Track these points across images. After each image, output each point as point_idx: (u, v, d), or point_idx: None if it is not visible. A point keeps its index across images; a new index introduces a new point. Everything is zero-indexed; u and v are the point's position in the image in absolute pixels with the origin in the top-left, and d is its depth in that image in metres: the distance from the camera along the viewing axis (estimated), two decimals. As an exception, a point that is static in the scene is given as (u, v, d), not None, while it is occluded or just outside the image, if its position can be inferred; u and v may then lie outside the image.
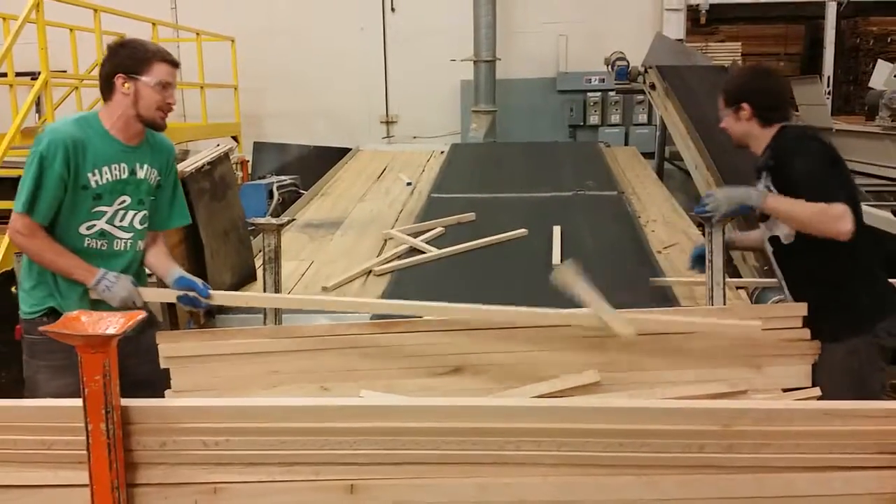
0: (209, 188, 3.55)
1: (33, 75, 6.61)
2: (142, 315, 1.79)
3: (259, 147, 9.89)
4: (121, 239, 2.73)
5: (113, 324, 1.68)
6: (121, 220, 2.72)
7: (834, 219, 2.57)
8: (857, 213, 2.65)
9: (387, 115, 11.35)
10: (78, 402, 1.68)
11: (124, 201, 2.71)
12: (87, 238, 2.67)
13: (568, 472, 1.76)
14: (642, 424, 1.76)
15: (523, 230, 4.48)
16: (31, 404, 1.92)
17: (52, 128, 2.63)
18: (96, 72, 7.52)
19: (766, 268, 3.44)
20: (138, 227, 2.77)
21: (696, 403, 2.03)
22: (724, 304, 2.91)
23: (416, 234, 4.57)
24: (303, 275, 4.19)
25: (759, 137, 2.85)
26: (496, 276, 3.97)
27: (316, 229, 5.12)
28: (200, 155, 3.71)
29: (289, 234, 4.81)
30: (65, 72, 7.82)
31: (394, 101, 11.27)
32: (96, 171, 2.62)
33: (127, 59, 2.65)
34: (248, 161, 9.56)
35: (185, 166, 3.40)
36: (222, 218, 3.75)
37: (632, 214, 5.02)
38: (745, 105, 2.84)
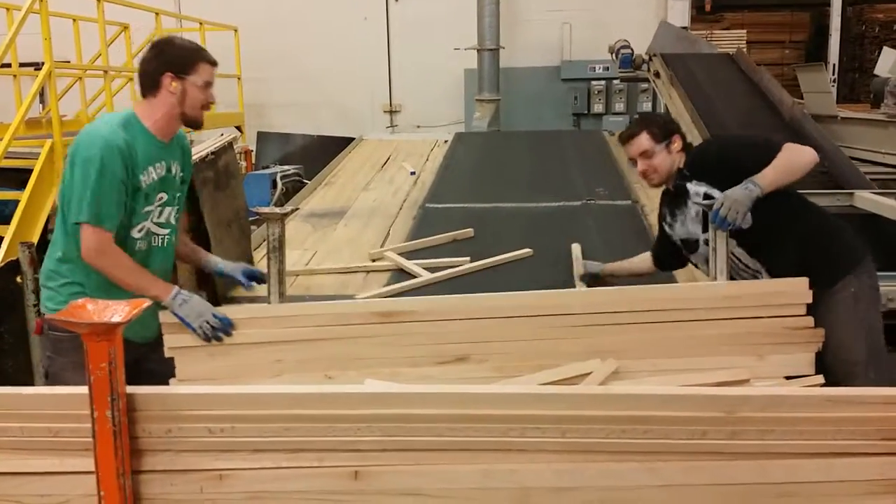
0: (213, 178, 3.55)
1: (37, 66, 6.62)
2: (147, 303, 1.79)
3: (263, 137, 9.90)
4: (159, 235, 2.75)
5: (118, 312, 1.69)
6: (159, 217, 2.74)
7: (801, 150, 2.77)
8: None
9: (390, 105, 11.34)
10: (84, 389, 1.70)
11: (162, 198, 2.72)
12: (138, 241, 2.68)
13: (571, 458, 1.77)
14: (645, 411, 1.76)
15: (528, 250, 3.83)
16: (38, 392, 1.93)
17: (98, 132, 2.56)
18: (100, 62, 7.52)
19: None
20: (173, 222, 2.80)
21: (699, 390, 2.03)
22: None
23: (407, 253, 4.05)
24: (307, 264, 4.20)
25: (677, 165, 2.93)
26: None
27: (320, 219, 5.12)
28: (204, 145, 3.71)
29: (292, 223, 4.82)
30: (68, 62, 7.82)
31: (397, 91, 11.26)
32: (145, 171, 2.64)
33: (175, 59, 2.67)
34: (251, 151, 9.57)
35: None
36: (226, 208, 3.75)
37: (648, 229, 4.35)
38: (676, 137, 2.92)
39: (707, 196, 2.78)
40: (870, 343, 2.71)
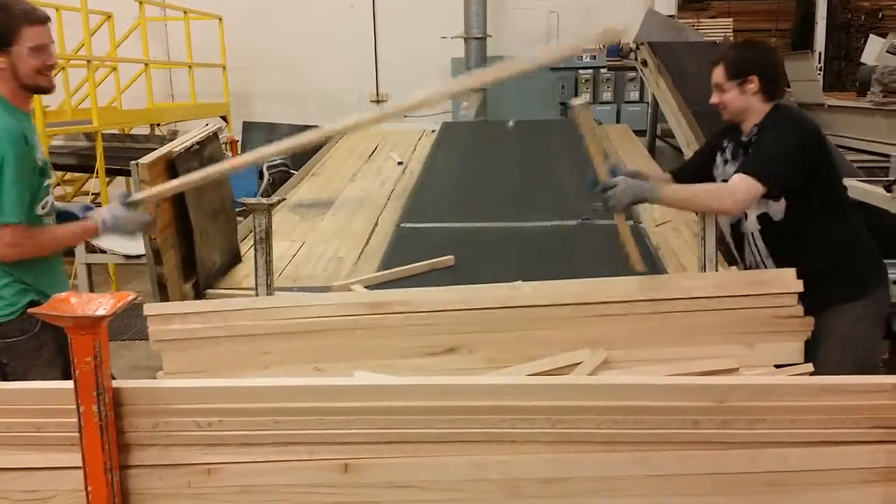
0: (198, 168, 3.51)
1: (19, 55, 6.52)
2: (132, 296, 1.77)
3: (248, 127, 9.83)
4: (52, 205, 2.72)
5: (103, 305, 1.67)
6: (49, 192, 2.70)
7: (725, 193, 2.62)
8: (835, 188, 2.76)
9: (377, 94, 11.28)
10: (69, 384, 1.67)
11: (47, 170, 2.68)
12: (44, 219, 2.64)
13: (562, 449, 1.76)
14: (636, 401, 1.76)
15: (518, 282, 2.82)
16: (22, 387, 1.91)
17: None
18: (83, 52, 7.42)
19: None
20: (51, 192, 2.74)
21: (689, 379, 2.03)
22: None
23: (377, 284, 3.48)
24: (294, 255, 4.17)
25: (756, 113, 2.81)
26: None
27: (307, 209, 5.09)
28: (189, 135, 3.68)
29: (279, 214, 4.79)
30: (51, 52, 7.73)
31: (384, 80, 11.20)
32: (36, 147, 2.58)
33: None
34: (237, 141, 9.50)
35: (175, 146, 3.36)
36: (212, 198, 3.72)
37: (654, 252, 3.70)
38: (753, 78, 2.77)
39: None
40: (859, 366, 2.63)
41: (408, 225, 4.40)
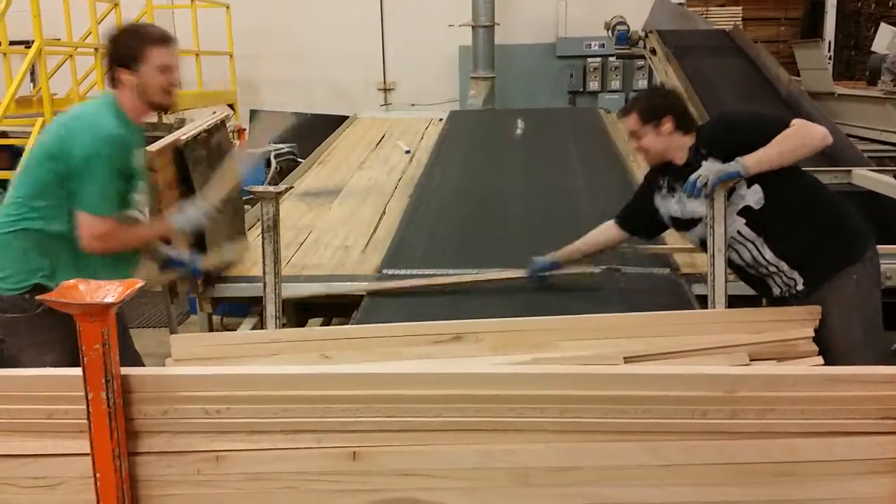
0: (205, 156, 3.51)
1: (27, 44, 6.54)
2: (139, 283, 1.77)
3: (256, 115, 9.82)
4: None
5: (111, 292, 1.66)
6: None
7: (809, 128, 2.71)
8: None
9: (384, 83, 11.26)
10: (78, 371, 1.67)
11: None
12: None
13: (570, 438, 1.76)
14: (645, 391, 1.75)
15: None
16: (32, 374, 1.91)
17: (100, 126, 2.61)
18: (90, 40, 7.45)
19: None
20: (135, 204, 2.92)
21: (699, 369, 2.02)
22: (726, 271, 2.89)
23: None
24: (302, 243, 4.18)
25: (682, 147, 2.88)
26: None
27: (314, 198, 5.09)
28: (196, 123, 3.68)
29: (287, 202, 4.79)
30: (59, 40, 7.73)
31: (391, 68, 11.18)
32: (136, 158, 2.74)
33: (122, 53, 2.70)
34: (244, 129, 9.49)
35: (182, 134, 3.36)
36: (220, 186, 3.72)
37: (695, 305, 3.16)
38: (665, 119, 2.86)
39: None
40: (867, 326, 2.72)
41: (391, 271, 3.62)
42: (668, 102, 2.96)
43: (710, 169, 2.71)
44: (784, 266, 2.76)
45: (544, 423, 1.75)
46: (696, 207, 2.86)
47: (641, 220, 3.12)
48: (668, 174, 2.99)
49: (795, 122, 2.72)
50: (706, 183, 2.68)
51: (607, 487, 1.76)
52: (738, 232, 2.81)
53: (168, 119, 8.66)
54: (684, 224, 2.97)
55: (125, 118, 2.71)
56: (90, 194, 2.59)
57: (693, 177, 2.73)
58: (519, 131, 6.51)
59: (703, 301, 3.08)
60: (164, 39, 2.73)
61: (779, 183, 2.71)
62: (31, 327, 2.61)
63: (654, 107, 2.91)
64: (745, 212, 2.79)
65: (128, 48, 2.68)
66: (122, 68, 2.68)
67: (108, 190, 2.62)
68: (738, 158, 2.70)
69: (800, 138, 2.70)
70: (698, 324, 2.63)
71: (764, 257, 2.79)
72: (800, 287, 2.77)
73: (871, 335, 2.72)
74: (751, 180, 2.73)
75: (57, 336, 2.57)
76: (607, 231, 3.21)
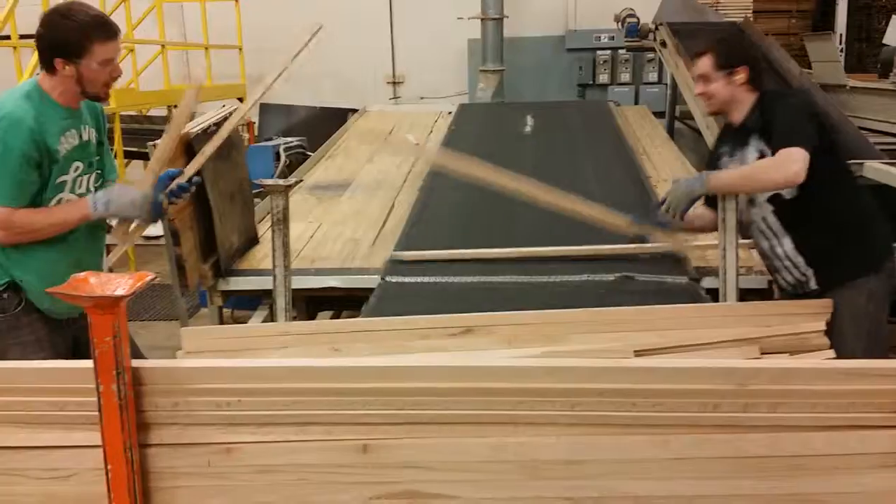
0: (215, 149, 3.51)
1: (36, 37, 6.53)
2: (150, 276, 1.77)
3: (265, 108, 9.82)
4: None
5: (122, 285, 1.67)
6: (78, 188, 2.66)
7: (783, 163, 2.55)
8: (839, 160, 2.80)
9: (393, 76, 11.23)
10: (89, 363, 1.68)
11: (78, 168, 2.64)
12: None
13: (581, 431, 1.75)
14: (656, 384, 1.74)
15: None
16: (44, 366, 1.92)
17: (4, 109, 2.48)
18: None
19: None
20: (93, 189, 2.72)
21: (710, 362, 2.01)
22: (737, 264, 2.88)
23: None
24: (311, 237, 4.18)
25: (743, 103, 2.80)
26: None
27: (324, 191, 5.10)
28: (206, 116, 3.68)
29: (297, 196, 4.79)
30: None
31: (400, 62, 11.15)
32: (58, 142, 2.55)
33: (62, 43, 2.51)
34: (254, 123, 9.50)
35: (191, 127, 3.36)
36: (229, 180, 3.73)
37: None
38: (740, 69, 2.76)
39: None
40: (870, 337, 2.69)
41: (394, 278, 3.43)
42: (746, 52, 2.83)
43: (673, 193, 2.78)
44: (801, 262, 2.75)
45: (555, 417, 1.75)
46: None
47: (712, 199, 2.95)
48: (728, 141, 2.89)
49: (782, 152, 2.58)
50: (675, 212, 2.77)
51: (618, 480, 1.75)
52: (764, 219, 2.79)
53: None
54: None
55: (50, 101, 2.55)
56: None
57: (663, 208, 2.81)
58: (528, 128, 6.44)
59: (714, 294, 3.07)
60: (110, 34, 2.55)
61: (817, 178, 2.62)
62: (11, 327, 2.58)
63: (731, 53, 2.79)
64: (775, 199, 2.76)
65: (71, 41, 2.50)
66: (62, 59, 2.50)
67: (6, 179, 2.44)
68: (706, 173, 2.77)
69: (770, 172, 2.61)
70: (709, 317, 2.61)
71: (784, 250, 2.77)
72: (812, 286, 2.75)
73: (873, 346, 2.70)
74: None
75: (39, 337, 2.58)
76: (704, 216, 3.04)
